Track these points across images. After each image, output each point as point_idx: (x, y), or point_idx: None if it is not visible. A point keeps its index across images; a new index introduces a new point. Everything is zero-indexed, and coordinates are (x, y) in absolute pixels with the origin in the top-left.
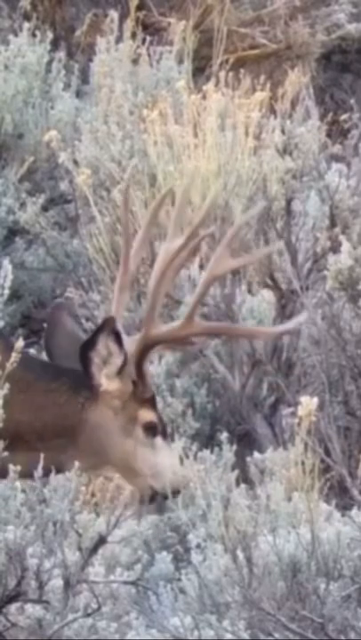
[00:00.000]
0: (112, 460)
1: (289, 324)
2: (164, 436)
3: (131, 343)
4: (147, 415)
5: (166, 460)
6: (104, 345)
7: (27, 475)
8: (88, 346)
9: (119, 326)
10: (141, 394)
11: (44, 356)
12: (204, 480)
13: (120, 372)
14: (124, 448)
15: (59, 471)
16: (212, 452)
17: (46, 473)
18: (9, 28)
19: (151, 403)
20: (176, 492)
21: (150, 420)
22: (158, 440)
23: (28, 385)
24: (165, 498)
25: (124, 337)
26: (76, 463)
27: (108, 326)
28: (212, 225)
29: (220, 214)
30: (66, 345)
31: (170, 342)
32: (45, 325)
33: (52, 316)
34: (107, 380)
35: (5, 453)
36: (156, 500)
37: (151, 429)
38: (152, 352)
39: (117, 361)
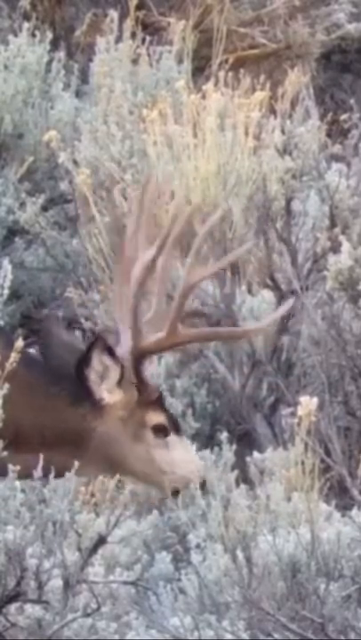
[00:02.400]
0: (128, 468)
1: (275, 313)
2: (177, 431)
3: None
4: (155, 417)
5: (182, 456)
6: (98, 361)
7: (29, 476)
8: (83, 364)
9: (110, 341)
10: (147, 397)
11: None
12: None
13: (120, 383)
14: (137, 454)
15: (62, 474)
16: (211, 451)
17: (45, 474)
18: (8, 27)
19: (158, 403)
20: (202, 484)
21: (159, 421)
22: (171, 438)
23: (30, 385)
24: (201, 487)
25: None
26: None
27: (99, 344)
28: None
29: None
30: (64, 354)
31: (158, 352)
32: (39, 340)
33: (44, 329)
34: (108, 394)
35: (4, 453)
36: (178, 494)
37: (161, 430)
38: (145, 361)
39: (114, 374)
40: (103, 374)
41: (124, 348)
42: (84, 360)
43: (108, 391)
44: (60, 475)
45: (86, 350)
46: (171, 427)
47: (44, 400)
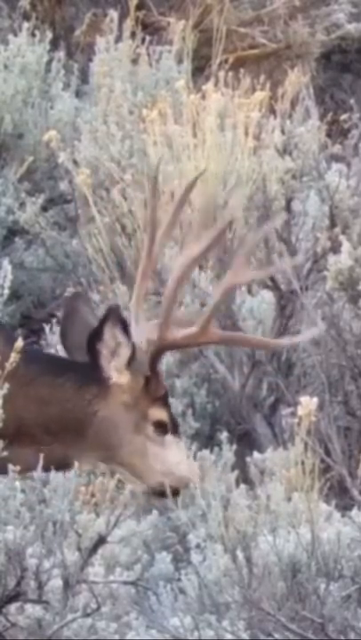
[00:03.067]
0: (121, 456)
1: (302, 336)
2: (175, 432)
3: (151, 329)
4: (158, 413)
5: (176, 457)
6: (111, 335)
7: (33, 469)
8: (95, 337)
9: (124, 314)
10: (154, 392)
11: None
12: (203, 480)
13: (129, 363)
14: (133, 444)
15: (63, 468)
16: (211, 451)
17: (47, 469)
18: (8, 27)
19: (163, 401)
20: (185, 488)
21: (161, 418)
22: (168, 437)
23: (33, 379)
24: (176, 494)
25: (142, 323)
26: (77, 463)
27: (112, 315)
28: (211, 223)
29: (220, 214)
30: (83, 335)
31: (185, 347)
32: (62, 315)
33: (69, 306)
34: (116, 373)
35: (5, 453)
36: (165, 495)
37: (162, 427)
38: (166, 353)
39: (125, 351)
40: (114, 351)
41: (137, 341)
42: (96, 333)
43: (117, 370)
44: (60, 468)
45: (99, 323)
46: (170, 427)
47: (49, 393)
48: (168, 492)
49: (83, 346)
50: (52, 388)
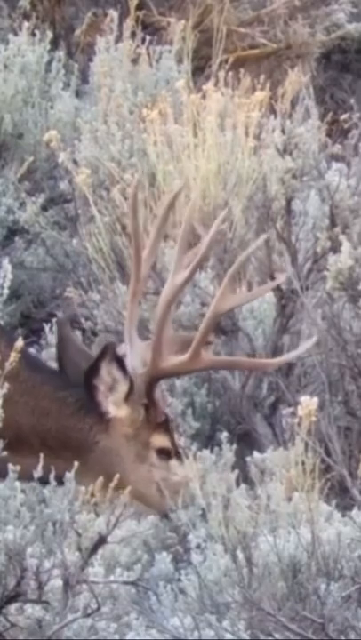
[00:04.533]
0: (128, 484)
1: (296, 351)
2: (179, 457)
3: (145, 348)
4: (160, 440)
5: (183, 479)
6: (107, 372)
7: (32, 478)
8: (91, 374)
9: (120, 351)
10: (154, 419)
11: (44, 357)
12: (204, 480)
13: (127, 398)
14: (139, 473)
15: (61, 480)
16: (211, 451)
17: (48, 478)
18: (8, 27)
19: (165, 427)
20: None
21: (163, 445)
22: (173, 462)
23: (34, 387)
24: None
25: (136, 345)
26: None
27: (109, 353)
28: (211, 223)
29: (220, 214)
30: (78, 360)
31: (177, 375)
32: (56, 343)
33: (61, 333)
34: (115, 408)
35: (4, 453)
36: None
37: (165, 453)
38: (160, 381)
39: (123, 387)
40: (112, 386)
41: (134, 364)
42: (92, 369)
43: (115, 405)
44: (58, 478)
45: (95, 360)
46: (175, 452)
47: (49, 403)
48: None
49: (78, 370)
50: (52, 400)
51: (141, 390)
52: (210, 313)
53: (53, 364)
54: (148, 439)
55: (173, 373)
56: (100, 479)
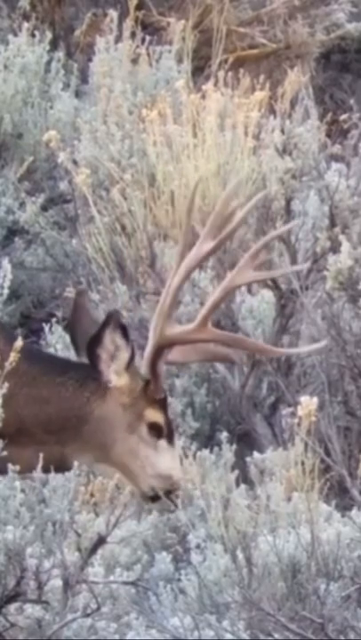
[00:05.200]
0: (114, 455)
1: (301, 349)
2: (170, 440)
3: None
4: (153, 415)
5: (167, 463)
6: (110, 340)
7: (32, 469)
8: (95, 342)
9: (124, 319)
10: (152, 393)
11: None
12: (203, 480)
13: (128, 366)
14: (126, 443)
15: (62, 468)
16: (211, 451)
17: (48, 468)
18: (8, 27)
19: (161, 404)
20: (172, 494)
21: (156, 420)
22: (162, 442)
23: (34, 378)
24: (170, 499)
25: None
26: (76, 463)
27: (113, 320)
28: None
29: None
30: (91, 331)
31: (181, 343)
32: (70, 312)
33: (77, 303)
34: (116, 376)
35: (4, 453)
36: (157, 500)
37: (156, 430)
38: (166, 352)
39: (125, 355)
40: (114, 355)
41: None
42: (96, 338)
43: (116, 373)
44: (58, 469)
45: (99, 328)
46: (166, 433)
47: (50, 392)
48: (161, 495)
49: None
50: (52, 387)
51: (147, 361)
52: (224, 284)
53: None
54: (142, 411)
55: (179, 341)
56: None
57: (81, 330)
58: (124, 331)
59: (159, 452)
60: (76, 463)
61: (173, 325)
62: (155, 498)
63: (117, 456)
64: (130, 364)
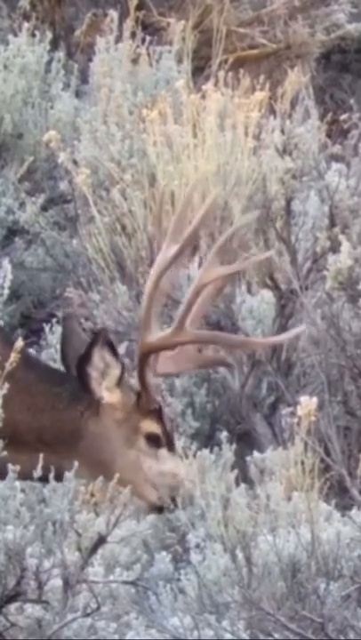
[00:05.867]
0: (114, 472)
1: (284, 335)
2: (170, 447)
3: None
4: (149, 426)
5: (171, 471)
6: (100, 357)
7: (28, 476)
8: (84, 361)
9: (112, 337)
10: (145, 405)
11: (44, 357)
12: (203, 480)
13: (119, 382)
14: (126, 458)
15: (59, 476)
16: (211, 451)
17: (45, 476)
18: (8, 27)
19: (156, 414)
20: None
21: (152, 431)
22: (162, 452)
23: (30, 385)
24: (170, 509)
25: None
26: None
27: (101, 338)
28: (212, 225)
29: (220, 214)
30: (80, 351)
31: (162, 349)
32: (61, 336)
33: (67, 327)
34: (108, 393)
35: (4, 453)
36: (163, 511)
37: (154, 440)
38: (150, 360)
39: (115, 372)
40: (104, 372)
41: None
42: (85, 357)
43: (108, 390)
44: (56, 477)
45: (88, 346)
46: (165, 441)
47: (45, 400)
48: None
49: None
50: (47, 396)
51: (136, 371)
52: (195, 283)
53: (54, 364)
54: (137, 424)
55: (160, 347)
56: (100, 479)
57: (72, 353)
58: (112, 348)
59: (161, 462)
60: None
61: (153, 332)
62: (162, 508)
63: (120, 472)
64: (121, 380)
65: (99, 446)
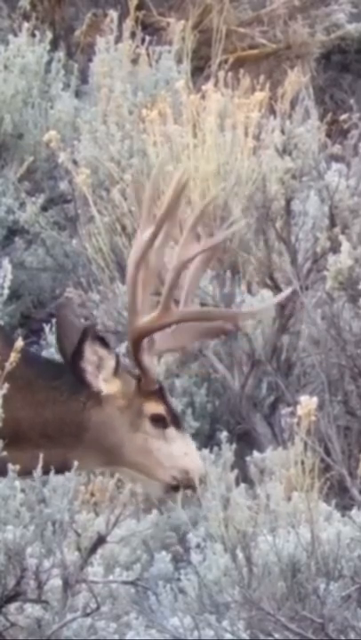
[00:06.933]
0: (126, 457)
1: (270, 301)
2: (177, 426)
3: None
4: (152, 407)
5: (181, 449)
6: (92, 352)
7: (30, 472)
8: (76, 357)
9: (100, 331)
10: (145, 387)
11: (45, 354)
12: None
13: (116, 372)
14: (134, 443)
15: (63, 470)
16: (211, 451)
17: (46, 471)
18: (8, 27)
19: (158, 395)
20: (200, 480)
21: (156, 412)
22: (170, 431)
23: (30, 382)
24: (193, 488)
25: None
26: (76, 463)
27: (89, 334)
28: (212, 224)
29: (220, 214)
30: (76, 338)
31: (152, 332)
32: (55, 326)
33: (60, 316)
34: (106, 384)
35: (4, 453)
36: (179, 490)
37: (160, 421)
38: (144, 343)
39: (110, 363)
40: (99, 365)
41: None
42: (76, 353)
43: (106, 381)
44: (60, 471)
45: (78, 344)
46: (171, 420)
47: (46, 395)
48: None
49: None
50: (48, 391)
51: (131, 356)
52: (174, 262)
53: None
54: (140, 407)
55: (149, 330)
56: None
57: (68, 343)
58: (103, 341)
59: (170, 441)
60: (76, 463)
61: (140, 316)
62: (177, 487)
63: (130, 457)
64: (117, 370)
65: (105, 435)
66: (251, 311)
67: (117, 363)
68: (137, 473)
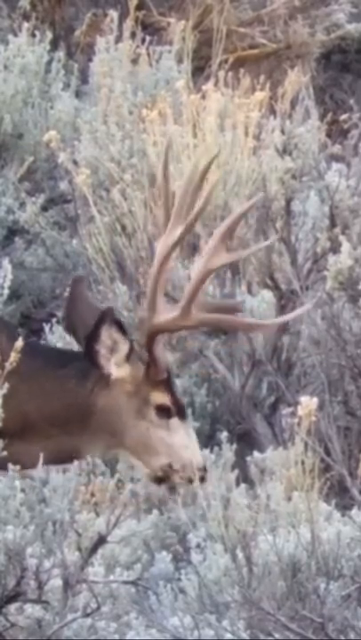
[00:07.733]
0: (127, 442)
1: (289, 315)
2: (182, 417)
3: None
4: (159, 397)
5: (182, 440)
6: (108, 336)
7: (34, 466)
8: (92, 339)
9: (118, 315)
10: (154, 376)
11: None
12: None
13: (129, 357)
14: (137, 429)
15: (74, 458)
16: (211, 451)
17: (55, 461)
18: (8, 27)
19: (165, 385)
20: (201, 477)
21: (162, 402)
22: (174, 421)
23: (36, 373)
24: (190, 482)
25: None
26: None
27: (108, 317)
28: (212, 223)
29: (220, 214)
30: (87, 317)
31: (168, 331)
32: (66, 299)
33: (73, 290)
34: (116, 368)
35: (4, 453)
36: (168, 482)
37: (165, 411)
38: (160, 338)
39: (124, 347)
40: (113, 348)
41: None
42: (92, 335)
43: (117, 365)
44: (67, 461)
45: (95, 325)
46: (175, 410)
47: (52, 385)
48: (193, 473)
49: (86, 324)
50: (54, 380)
51: (144, 347)
52: (201, 269)
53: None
54: (147, 395)
55: (166, 329)
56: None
57: (77, 318)
58: (120, 326)
59: (172, 432)
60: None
61: (160, 314)
62: (162, 479)
63: (131, 442)
64: (130, 355)
65: (110, 419)
66: (269, 323)
67: (131, 349)
68: (134, 459)
